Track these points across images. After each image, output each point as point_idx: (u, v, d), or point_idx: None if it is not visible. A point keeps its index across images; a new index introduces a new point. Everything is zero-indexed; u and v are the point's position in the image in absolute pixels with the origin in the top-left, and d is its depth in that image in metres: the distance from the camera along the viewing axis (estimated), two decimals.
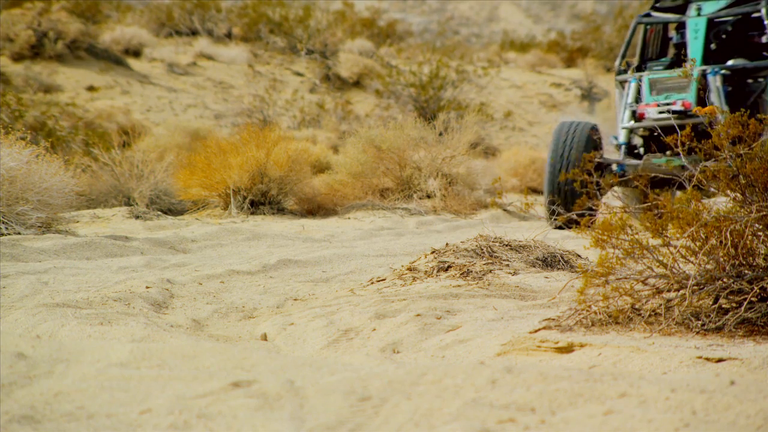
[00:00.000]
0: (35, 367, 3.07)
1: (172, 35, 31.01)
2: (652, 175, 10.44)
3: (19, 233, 8.68)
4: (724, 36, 11.63)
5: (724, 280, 3.99)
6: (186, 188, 13.48)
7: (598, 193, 10.42)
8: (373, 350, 4.34)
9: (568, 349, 3.85)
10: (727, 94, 10.74)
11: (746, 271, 3.99)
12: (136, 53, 28.45)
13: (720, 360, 3.55)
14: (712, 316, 3.95)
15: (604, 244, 4.07)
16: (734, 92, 10.91)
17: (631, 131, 11.02)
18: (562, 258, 6.23)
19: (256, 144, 13.55)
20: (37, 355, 3.19)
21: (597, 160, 10.66)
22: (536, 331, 4.10)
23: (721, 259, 4.00)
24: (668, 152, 10.66)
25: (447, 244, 6.23)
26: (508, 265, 5.92)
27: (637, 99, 11.05)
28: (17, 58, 25.23)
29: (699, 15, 11.33)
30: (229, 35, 31.41)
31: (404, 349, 4.32)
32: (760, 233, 4.03)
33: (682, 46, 11.72)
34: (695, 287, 3.99)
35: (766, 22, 11.05)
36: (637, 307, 4.09)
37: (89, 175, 14.27)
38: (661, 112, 10.59)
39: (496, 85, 34.11)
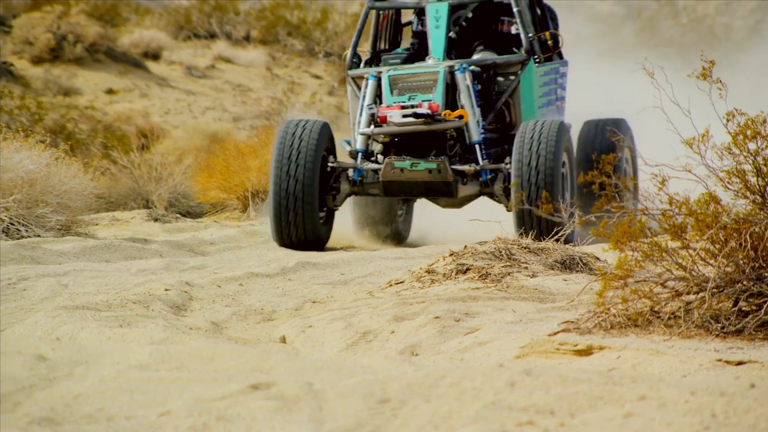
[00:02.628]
0: (55, 369, 3.08)
1: (191, 38, 31.08)
2: (392, 180, 9.50)
3: (38, 236, 8.72)
4: (464, 23, 10.23)
5: (744, 282, 3.97)
6: (204, 191, 13.52)
7: (335, 203, 9.74)
8: (391, 353, 4.34)
9: (587, 351, 3.84)
10: (477, 93, 9.51)
11: (766, 274, 3.97)
12: (155, 56, 28.53)
13: (740, 363, 3.54)
14: (731, 318, 3.93)
15: (623, 247, 4.06)
16: (483, 91, 9.67)
17: (370, 137, 9.47)
18: (580, 260, 6.22)
19: None
20: (57, 357, 3.21)
21: (330, 164, 9.42)
22: (555, 333, 4.09)
23: (741, 262, 3.98)
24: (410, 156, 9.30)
25: (465, 246, 6.22)
26: (526, 268, 5.91)
27: (377, 99, 9.51)
28: (37, 61, 25.35)
29: (440, 0, 9.80)
30: (247, 38, 31.46)
31: (423, 351, 4.32)
32: None
33: (422, 35, 10.06)
34: (715, 290, 3.97)
35: (515, 9, 9.69)
36: (656, 309, 4.08)
37: (108, 178, 14.33)
38: (405, 116, 9.12)
39: None
